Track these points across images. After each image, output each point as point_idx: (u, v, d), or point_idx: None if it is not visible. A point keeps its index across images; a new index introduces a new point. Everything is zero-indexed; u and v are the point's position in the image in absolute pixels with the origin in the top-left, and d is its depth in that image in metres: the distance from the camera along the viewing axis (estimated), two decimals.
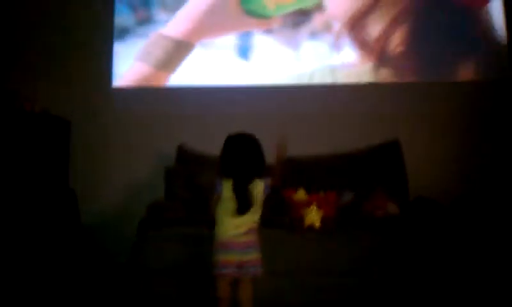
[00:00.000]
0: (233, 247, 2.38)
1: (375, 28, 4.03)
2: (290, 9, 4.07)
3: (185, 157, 3.58)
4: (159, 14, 4.08)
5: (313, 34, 4.07)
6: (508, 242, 2.97)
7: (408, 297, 2.77)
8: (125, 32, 4.08)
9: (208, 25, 4.04)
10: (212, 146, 3.49)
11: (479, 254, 2.89)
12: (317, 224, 2.84)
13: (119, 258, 3.23)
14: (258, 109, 3.80)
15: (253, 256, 2.38)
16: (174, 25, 4.03)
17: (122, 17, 4.12)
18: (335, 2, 4.10)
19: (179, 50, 4.00)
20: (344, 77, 4.01)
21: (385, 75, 4.01)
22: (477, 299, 2.76)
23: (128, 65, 3.99)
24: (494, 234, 3.01)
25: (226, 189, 2.40)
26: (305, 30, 4.07)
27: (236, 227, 2.38)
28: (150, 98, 3.90)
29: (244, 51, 4.08)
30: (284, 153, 2.46)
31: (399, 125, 3.80)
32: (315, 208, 2.91)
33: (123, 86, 3.96)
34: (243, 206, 2.38)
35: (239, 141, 2.48)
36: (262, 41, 4.09)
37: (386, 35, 4.02)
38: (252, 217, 2.40)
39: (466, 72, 4.02)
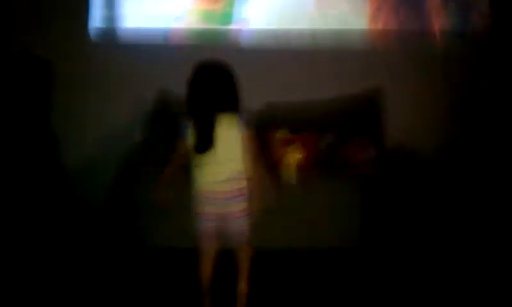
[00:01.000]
0: (214, 196, 2.11)
1: None
2: None
3: (166, 101, 3.55)
4: None
5: None
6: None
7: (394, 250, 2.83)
8: None
9: None
10: None
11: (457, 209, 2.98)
12: (293, 167, 2.84)
13: (96, 201, 3.27)
14: (242, 49, 3.67)
15: (241, 205, 2.13)
16: None
17: None
18: None
19: None
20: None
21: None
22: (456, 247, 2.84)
23: None
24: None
25: (192, 134, 2.09)
26: None
27: (214, 174, 2.10)
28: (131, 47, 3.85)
29: None
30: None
31: (384, 73, 3.72)
32: (296, 147, 2.90)
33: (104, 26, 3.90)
34: (203, 143, 2.06)
35: (204, 70, 2.10)
36: None
37: None
38: (232, 164, 2.10)
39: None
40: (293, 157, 2.90)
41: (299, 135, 3.05)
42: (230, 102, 2.10)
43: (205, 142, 2.05)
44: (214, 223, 2.15)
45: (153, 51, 3.68)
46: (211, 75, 2.08)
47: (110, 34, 3.77)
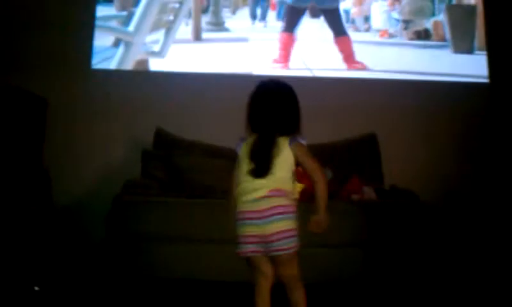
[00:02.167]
0: (251, 216, 1.94)
1: None
2: None
3: (163, 139, 3.55)
4: None
5: None
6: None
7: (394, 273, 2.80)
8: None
9: None
10: (191, 132, 3.55)
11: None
12: (297, 196, 2.81)
13: (94, 238, 3.16)
14: (238, 97, 3.76)
15: (282, 225, 1.92)
16: None
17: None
18: None
19: None
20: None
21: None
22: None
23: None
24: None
25: (245, 147, 2.02)
26: None
27: (253, 190, 1.94)
28: (129, 81, 3.88)
29: None
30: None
31: (378, 119, 3.86)
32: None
33: (103, 67, 3.96)
34: (260, 167, 1.95)
35: (265, 89, 2.07)
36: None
37: None
38: (280, 180, 1.96)
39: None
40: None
41: (297, 169, 3.03)
42: (288, 125, 2.03)
43: (263, 167, 1.96)
44: (255, 247, 1.96)
45: (149, 89, 3.71)
46: (273, 93, 2.05)
47: (106, 72, 3.81)
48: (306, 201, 2.86)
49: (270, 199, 1.93)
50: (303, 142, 2.05)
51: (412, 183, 3.31)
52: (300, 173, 3.03)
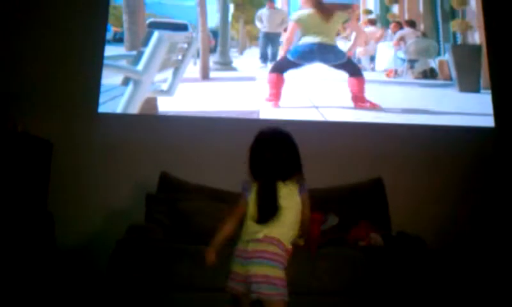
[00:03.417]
0: (240, 254, 2.02)
1: None
2: None
3: (167, 183, 3.52)
4: None
5: None
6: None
7: None
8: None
9: None
10: (196, 176, 3.54)
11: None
12: (301, 242, 2.79)
13: (97, 282, 3.11)
14: (243, 141, 3.79)
15: (263, 270, 1.96)
16: None
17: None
18: None
19: None
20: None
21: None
22: None
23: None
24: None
25: (253, 194, 2.09)
26: None
27: (253, 233, 2.02)
28: (135, 125, 3.90)
29: None
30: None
31: (384, 164, 3.85)
32: None
33: (108, 111, 3.99)
34: (265, 213, 2.02)
35: (266, 137, 2.16)
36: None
37: None
38: (282, 229, 2.03)
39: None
40: None
41: None
42: (290, 170, 2.10)
43: (268, 212, 2.02)
44: (235, 285, 2.04)
45: (154, 133, 3.72)
46: (274, 141, 2.13)
47: (112, 116, 3.83)
48: (312, 250, 2.88)
49: (261, 243, 1.98)
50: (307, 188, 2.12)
51: (419, 228, 3.26)
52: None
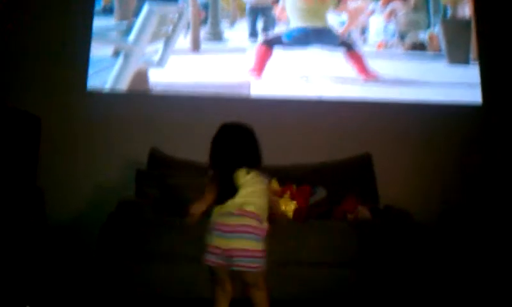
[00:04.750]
0: (220, 228, 2.09)
1: None
2: None
3: (157, 160, 3.56)
4: None
5: None
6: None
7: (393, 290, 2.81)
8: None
9: None
10: (185, 152, 3.56)
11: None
12: (290, 214, 2.85)
13: (87, 256, 3.16)
14: (232, 118, 3.79)
15: (246, 243, 2.05)
16: None
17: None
18: None
19: None
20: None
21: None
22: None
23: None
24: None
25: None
26: None
27: (230, 206, 2.11)
28: (125, 101, 3.90)
29: None
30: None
31: (373, 141, 3.89)
32: (288, 198, 2.91)
33: (98, 88, 3.97)
34: (224, 195, 2.12)
35: (229, 131, 2.28)
36: None
37: None
38: (249, 205, 2.10)
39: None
40: (284, 208, 2.90)
41: (290, 187, 3.07)
42: (250, 159, 2.21)
43: (226, 195, 2.12)
44: (215, 258, 2.10)
45: (144, 110, 3.72)
46: (233, 134, 2.24)
47: (101, 92, 3.81)
48: (299, 220, 2.94)
49: (242, 217, 2.07)
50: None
51: (407, 203, 3.32)
52: (293, 191, 3.09)
